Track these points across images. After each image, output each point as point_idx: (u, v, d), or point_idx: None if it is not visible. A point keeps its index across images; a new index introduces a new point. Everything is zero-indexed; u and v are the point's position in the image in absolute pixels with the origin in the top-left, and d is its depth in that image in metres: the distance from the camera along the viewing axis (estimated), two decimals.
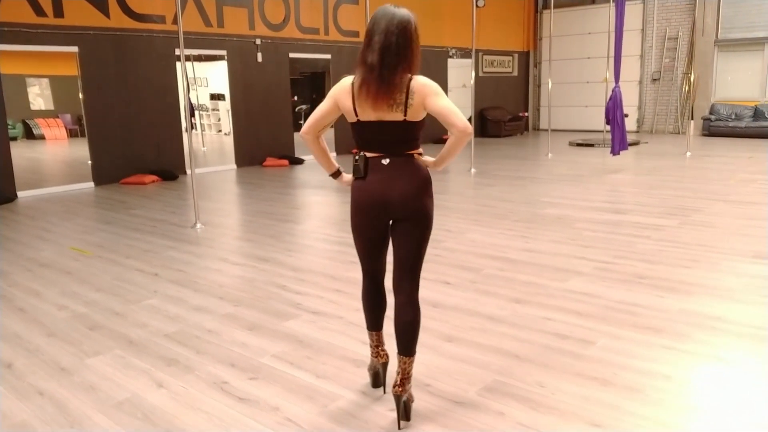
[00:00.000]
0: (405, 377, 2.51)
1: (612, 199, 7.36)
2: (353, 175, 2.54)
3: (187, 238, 5.90)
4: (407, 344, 2.53)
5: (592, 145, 13.37)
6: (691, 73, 15.60)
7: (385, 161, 2.45)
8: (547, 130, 17.31)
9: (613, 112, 9.16)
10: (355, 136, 2.51)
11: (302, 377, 2.98)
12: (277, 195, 8.27)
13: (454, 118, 2.34)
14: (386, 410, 2.65)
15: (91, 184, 9.38)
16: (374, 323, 2.74)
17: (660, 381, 2.85)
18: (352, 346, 3.30)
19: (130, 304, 4.10)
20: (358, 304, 3.34)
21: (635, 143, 13.32)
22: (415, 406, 2.63)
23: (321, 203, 7.73)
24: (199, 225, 6.39)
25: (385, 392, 2.80)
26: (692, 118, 15.78)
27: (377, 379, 2.82)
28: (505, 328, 3.49)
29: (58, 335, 3.60)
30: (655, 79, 16.05)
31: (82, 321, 3.81)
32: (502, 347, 3.23)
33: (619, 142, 9.28)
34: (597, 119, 16.65)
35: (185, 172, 10.33)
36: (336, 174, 2.69)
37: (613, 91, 9.31)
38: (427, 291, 4.09)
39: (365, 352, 3.16)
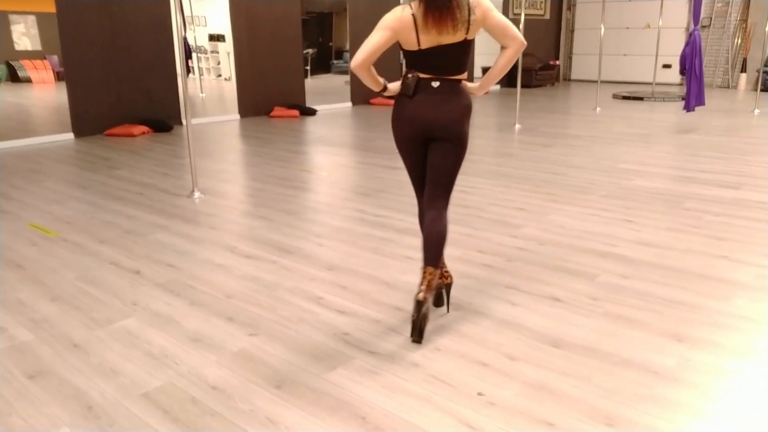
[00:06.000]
0: (430, 287, 2.53)
1: (705, 167, 5.97)
2: (401, 91, 2.58)
3: (182, 213, 4.56)
4: (436, 255, 2.60)
5: (641, 99, 11.89)
6: (746, 20, 14.01)
7: (435, 84, 2.52)
8: (581, 81, 15.82)
9: (692, 59, 7.69)
10: (411, 61, 2.54)
11: None
12: (290, 153, 6.89)
13: (513, 32, 2.49)
14: None
15: (71, 135, 7.97)
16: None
17: None
18: (450, 429, 1.99)
19: (96, 326, 2.78)
20: (435, 338, 2.61)
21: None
22: None
23: (345, 166, 6.35)
24: (197, 194, 5.04)
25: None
26: (744, 71, 14.28)
27: (439, 299, 2.83)
28: (685, 394, 2.19)
29: None
30: (704, 26, 14.39)
31: (21, 360, 2.50)
32: None
33: (695, 96, 7.84)
34: (638, 69, 15.13)
35: (181, 123, 8.90)
36: (383, 89, 2.64)
37: (692, 34, 7.81)
38: (530, 314, 2.79)
39: None
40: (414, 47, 2.48)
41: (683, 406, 2.12)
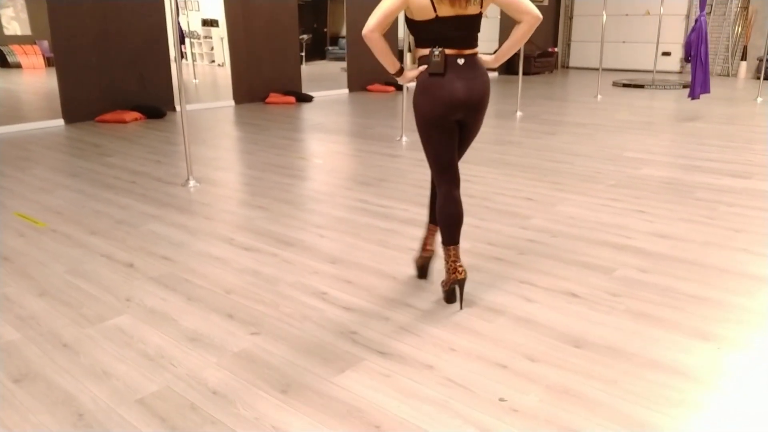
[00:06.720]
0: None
1: (713, 156, 5.83)
2: (429, 71, 2.47)
3: (176, 202, 4.39)
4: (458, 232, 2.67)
5: (641, 86, 11.73)
6: (747, 8, 13.86)
7: (460, 61, 2.47)
8: (579, 69, 15.67)
9: (697, 46, 7.53)
10: (424, 34, 2.46)
11: None
12: (286, 141, 6.70)
13: (526, 6, 2.41)
14: None
15: (61, 121, 7.75)
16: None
17: None
18: None
19: (88, 324, 2.62)
20: (449, 337, 2.45)
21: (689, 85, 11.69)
22: None
23: (343, 154, 6.17)
24: (191, 182, 4.86)
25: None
26: (745, 59, 14.15)
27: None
28: (718, 398, 2.05)
29: None
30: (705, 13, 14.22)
31: (6, 361, 2.34)
32: None
33: (701, 84, 7.70)
34: (637, 57, 14.97)
35: (174, 109, 8.69)
36: (399, 72, 2.60)
37: (697, 20, 7.65)
38: (548, 311, 2.63)
39: None
40: (430, 15, 2.39)
41: (716, 412, 1.98)
